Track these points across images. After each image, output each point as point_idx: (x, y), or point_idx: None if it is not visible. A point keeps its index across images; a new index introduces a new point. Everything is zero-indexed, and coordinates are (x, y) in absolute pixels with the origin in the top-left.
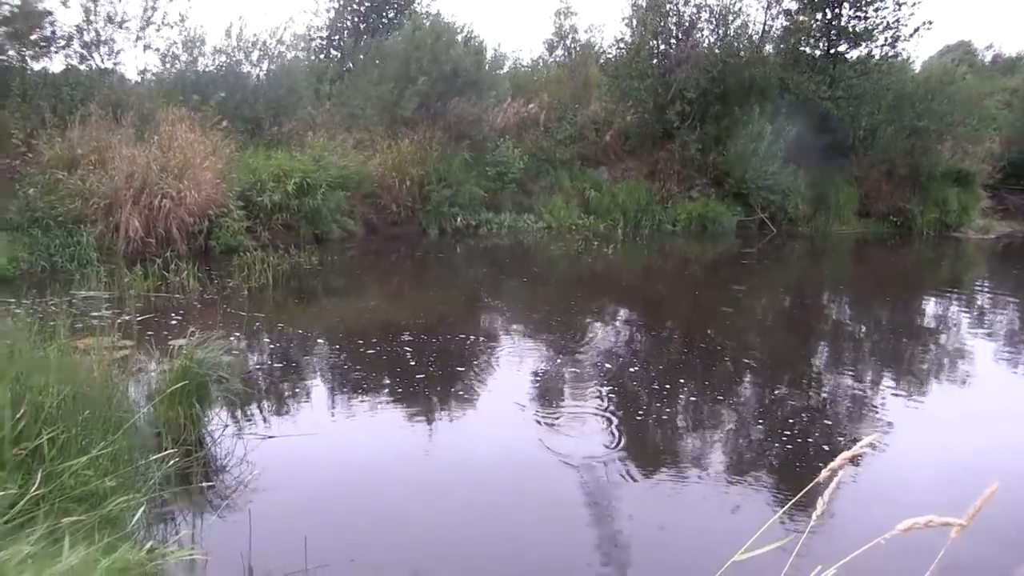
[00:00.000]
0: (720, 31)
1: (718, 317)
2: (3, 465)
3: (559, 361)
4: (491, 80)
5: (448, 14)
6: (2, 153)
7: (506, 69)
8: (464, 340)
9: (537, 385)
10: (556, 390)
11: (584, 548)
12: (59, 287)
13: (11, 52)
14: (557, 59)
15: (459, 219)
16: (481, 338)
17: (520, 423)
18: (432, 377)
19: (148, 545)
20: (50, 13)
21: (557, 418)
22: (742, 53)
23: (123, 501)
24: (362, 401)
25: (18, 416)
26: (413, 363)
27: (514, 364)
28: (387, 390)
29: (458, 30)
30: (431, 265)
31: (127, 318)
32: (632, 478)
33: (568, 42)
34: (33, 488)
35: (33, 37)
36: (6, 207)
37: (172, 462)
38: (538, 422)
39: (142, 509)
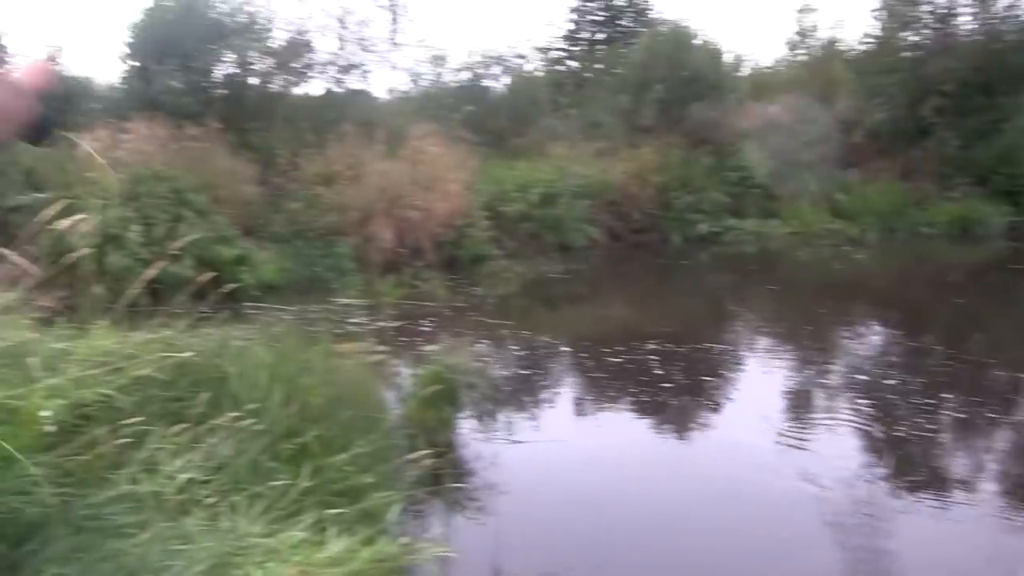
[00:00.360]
0: (983, 16)
1: (987, 327)
2: (278, 457)
3: (810, 372)
4: (731, 83)
5: (685, 18)
6: (270, 172)
7: (747, 71)
8: (710, 349)
9: (787, 397)
10: (807, 403)
11: None
12: (320, 294)
13: (277, 80)
14: (800, 58)
15: (702, 226)
16: (727, 347)
17: (768, 437)
18: (678, 386)
19: (402, 540)
20: (310, 44)
21: (809, 433)
22: (1010, 38)
23: (381, 497)
24: (607, 409)
25: (289, 413)
26: (659, 372)
27: (762, 374)
28: (632, 398)
29: (695, 35)
30: (675, 272)
31: (382, 325)
32: (896, 499)
33: (811, 40)
34: (302, 480)
35: (296, 65)
36: (274, 221)
37: (425, 463)
38: (787, 436)
39: (398, 505)
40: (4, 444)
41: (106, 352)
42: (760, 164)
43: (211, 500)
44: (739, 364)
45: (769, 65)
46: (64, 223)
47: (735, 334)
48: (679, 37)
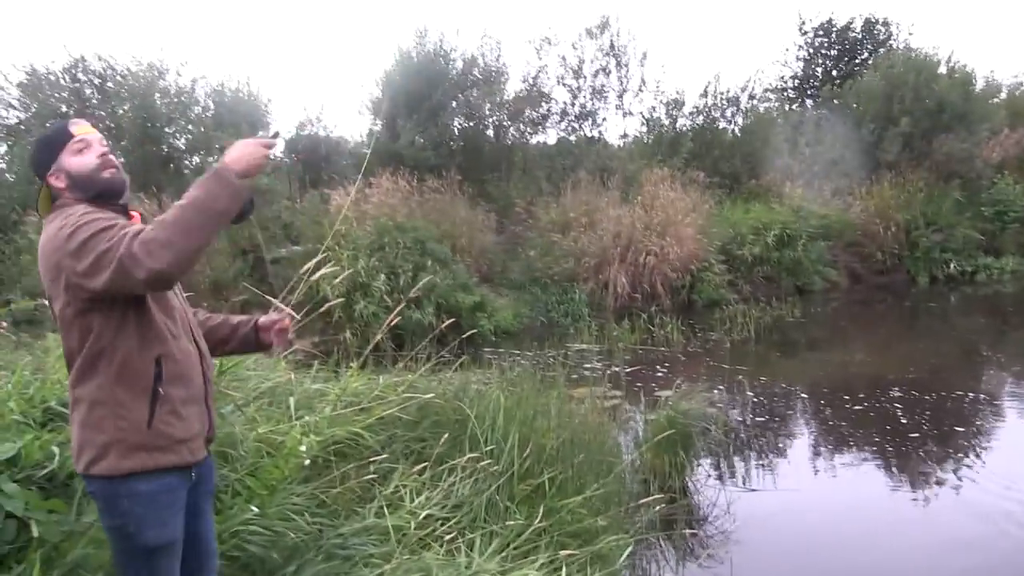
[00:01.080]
0: None
1: None
2: (513, 498)
3: None
4: (983, 111)
5: (929, 46)
6: (507, 220)
7: (1002, 97)
8: (963, 398)
9: None
10: None
11: None
12: (555, 340)
13: (512, 132)
14: None
15: (952, 265)
16: (982, 396)
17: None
18: (926, 437)
19: None
20: (546, 94)
21: None
22: None
23: (613, 540)
24: (847, 459)
25: (525, 455)
26: (904, 421)
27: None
28: (875, 449)
29: (941, 61)
30: (921, 315)
31: (616, 369)
32: None
33: None
34: (536, 521)
35: (531, 116)
36: (511, 268)
37: (658, 507)
38: None
39: (629, 549)
40: (270, 474)
41: (355, 393)
42: (1019, 197)
43: (449, 536)
44: (997, 415)
45: None
46: (318, 273)
47: (991, 382)
48: (923, 65)
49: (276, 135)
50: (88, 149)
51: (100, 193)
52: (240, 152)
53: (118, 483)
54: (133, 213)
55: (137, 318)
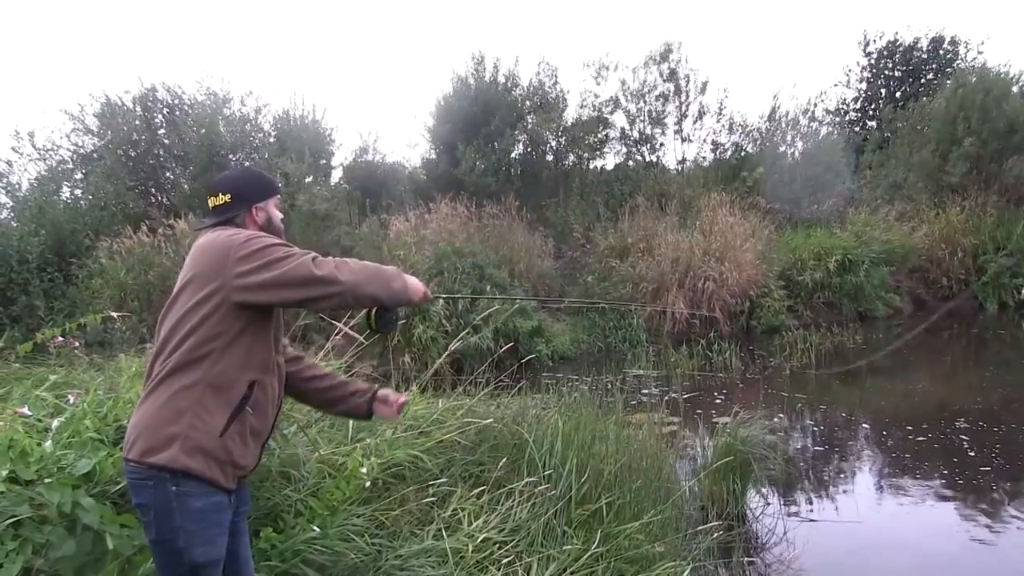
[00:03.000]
0: None
1: None
2: (570, 522)
3: None
4: None
5: (999, 63)
6: (565, 245)
7: None
8: None
9: None
10: None
11: None
12: (613, 365)
13: (571, 158)
14: None
15: (1023, 291)
16: None
17: None
18: (996, 471)
19: None
20: (605, 119)
21: None
22: None
23: (671, 567)
24: (911, 492)
25: (583, 480)
26: (972, 453)
27: None
28: (941, 482)
29: (1013, 80)
30: (989, 343)
31: (674, 395)
32: None
33: None
34: (593, 546)
35: (588, 141)
36: (569, 293)
37: (715, 534)
38: None
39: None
40: (331, 495)
41: (415, 417)
42: None
43: (507, 559)
44: None
45: None
46: None
47: None
48: (992, 84)
49: (429, 294)
50: (278, 209)
51: None
52: (411, 280)
53: (171, 493)
54: None
55: (253, 340)
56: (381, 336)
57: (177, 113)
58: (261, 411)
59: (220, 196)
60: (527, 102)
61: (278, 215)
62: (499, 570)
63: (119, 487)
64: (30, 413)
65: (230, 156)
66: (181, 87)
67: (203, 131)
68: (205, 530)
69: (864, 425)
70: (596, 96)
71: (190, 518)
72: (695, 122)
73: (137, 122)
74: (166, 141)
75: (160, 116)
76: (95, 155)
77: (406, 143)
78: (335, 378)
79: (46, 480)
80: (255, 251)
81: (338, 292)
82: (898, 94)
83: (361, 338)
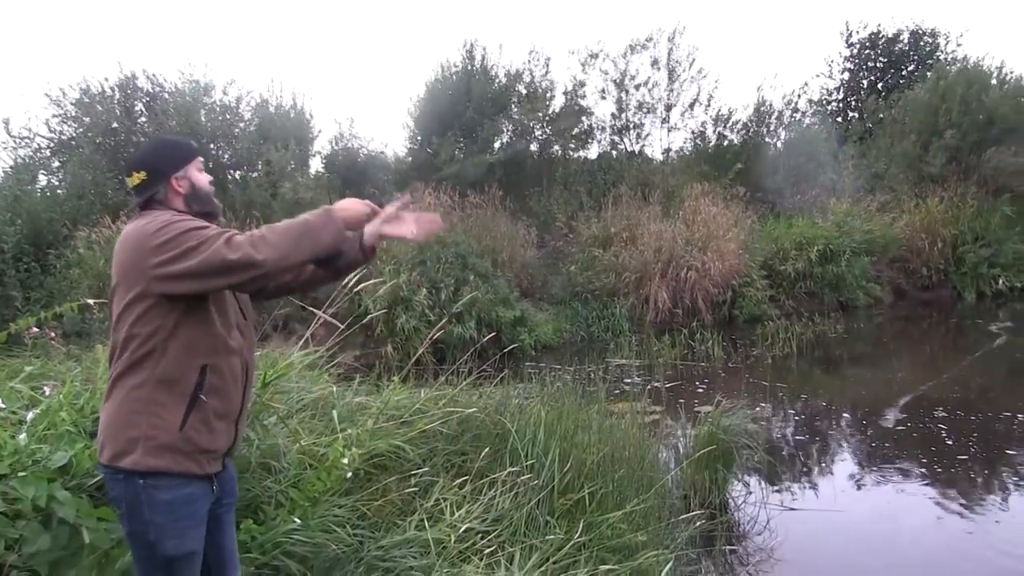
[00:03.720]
0: None
1: None
2: (553, 512)
3: None
4: None
5: (978, 56)
6: (548, 235)
7: None
8: (1012, 418)
9: None
10: None
11: None
12: (595, 355)
13: (556, 147)
14: None
15: (1001, 281)
16: None
17: None
18: (973, 459)
19: None
20: (588, 109)
21: None
22: None
23: (653, 556)
24: (891, 480)
25: (565, 469)
26: (950, 442)
27: None
28: (919, 470)
29: (991, 73)
30: (967, 332)
31: (656, 385)
32: None
33: None
34: (576, 535)
35: (574, 131)
36: (552, 283)
37: (698, 523)
38: None
39: (669, 565)
40: (312, 486)
41: (397, 407)
42: None
43: (489, 549)
44: None
45: None
46: (361, 287)
47: None
48: (973, 77)
49: (379, 204)
50: (203, 173)
51: (208, 212)
52: (347, 204)
53: (139, 487)
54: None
55: (194, 324)
56: (364, 327)
57: (157, 101)
58: (221, 393)
59: (135, 175)
60: (513, 91)
61: (204, 179)
62: (481, 560)
63: (96, 480)
64: (4, 406)
65: (211, 145)
66: (162, 75)
67: (183, 120)
68: (175, 523)
69: (844, 414)
70: (583, 85)
71: (159, 511)
72: (684, 112)
73: (117, 109)
74: (146, 129)
75: (140, 104)
76: (73, 142)
77: (390, 131)
78: None
79: (20, 474)
80: (167, 241)
81: (261, 273)
82: (880, 85)
83: (342, 326)
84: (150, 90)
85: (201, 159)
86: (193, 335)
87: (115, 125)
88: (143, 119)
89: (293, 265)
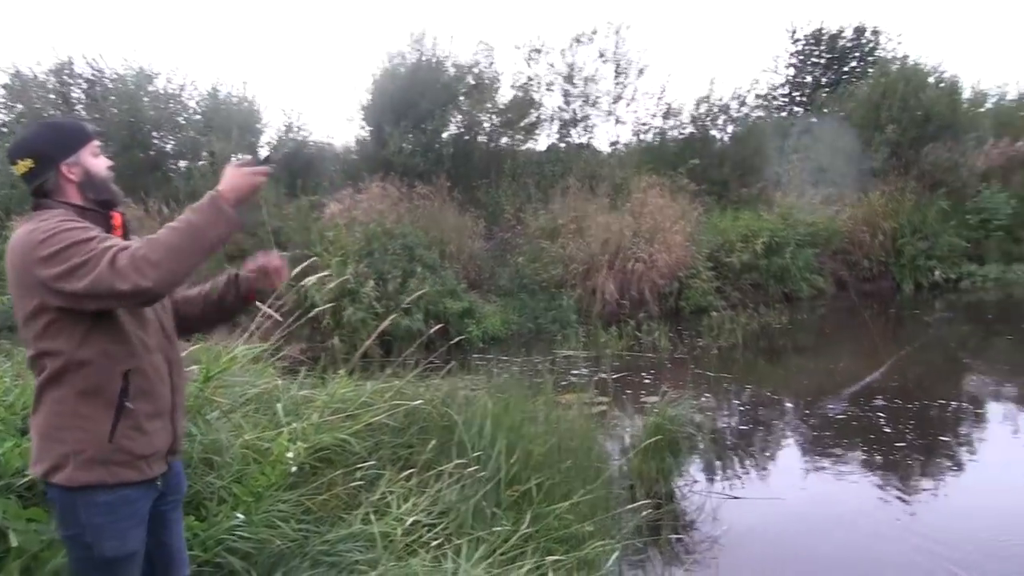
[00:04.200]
0: None
1: None
2: (500, 504)
3: None
4: (969, 121)
5: (918, 54)
6: (496, 227)
7: (988, 106)
8: (946, 406)
9: None
10: None
11: None
12: (543, 346)
13: (504, 139)
14: None
15: (937, 272)
16: (965, 404)
17: (1020, 503)
18: (912, 446)
19: None
20: (537, 101)
21: None
22: None
23: (600, 546)
24: (832, 468)
25: (512, 461)
26: (888, 430)
27: (1009, 434)
28: (860, 458)
29: (929, 72)
30: (906, 323)
31: (603, 376)
32: None
33: None
34: (523, 527)
35: (522, 124)
36: (500, 275)
37: (644, 513)
38: None
39: (616, 555)
40: (256, 481)
41: (343, 400)
42: (1003, 206)
43: (436, 542)
44: (981, 423)
45: (1015, 98)
46: (307, 280)
47: (974, 389)
48: (912, 75)
49: (268, 159)
50: (100, 157)
51: (105, 200)
52: (233, 180)
53: (76, 493)
54: (115, 213)
55: (106, 331)
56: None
57: (98, 88)
58: (148, 394)
59: (21, 163)
60: (462, 82)
61: (99, 165)
62: (428, 553)
63: (26, 480)
64: None
65: (153, 134)
66: (103, 60)
67: (125, 107)
68: (114, 523)
69: (788, 403)
70: (530, 78)
71: (95, 512)
72: (631, 103)
73: (52, 96)
74: (85, 116)
75: (79, 91)
76: (5, 129)
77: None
78: (192, 294)
79: None
80: (53, 254)
81: (154, 295)
82: (824, 80)
83: (283, 319)
84: (89, 76)
85: (97, 143)
86: (107, 343)
87: (51, 112)
88: (81, 106)
89: (188, 274)
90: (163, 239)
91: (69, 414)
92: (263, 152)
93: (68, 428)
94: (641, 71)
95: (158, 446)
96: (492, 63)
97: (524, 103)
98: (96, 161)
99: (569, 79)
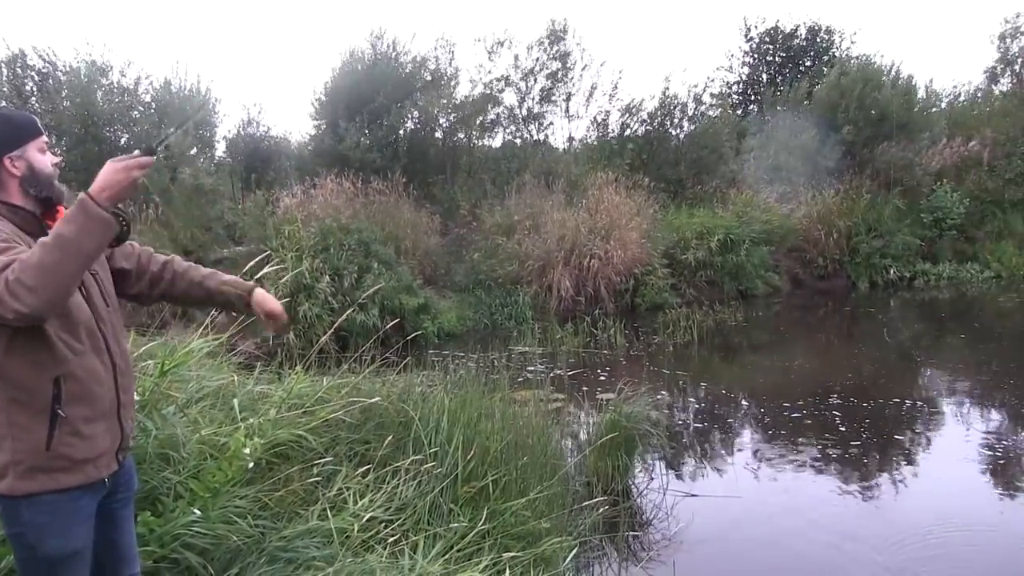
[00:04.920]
0: None
1: None
2: (457, 500)
3: (1019, 431)
4: (923, 121)
5: (872, 53)
6: (452, 223)
7: (942, 106)
8: (900, 404)
9: (992, 457)
10: (1018, 463)
11: None
12: (499, 342)
13: (460, 135)
14: (1002, 89)
15: (891, 271)
16: (919, 402)
17: (973, 499)
18: (866, 444)
19: None
20: (494, 97)
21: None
22: None
23: (556, 542)
24: (788, 466)
25: (469, 457)
26: (843, 428)
27: (962, 432)
28: (815, 456)
29: (885, 71)
30: (861, 321)
31: (559, 372)
32: None
33: (1017, 68)
34: (480, 523)
35: (479, 120)
36: (455, 271)
37: (601, 510)
38: (1000, 498)
39: (573, 552)
40: (213, 477)
41: (299, 395)
42: (956, 205)
43: (393, 538)
44: (935, 421)
45: (966, 98)
46: (261, 272)
47: (928, 387)
48: (867, 75)
49: (149, 151)
50: (47, 154)
51: (48, 198)
52: (107, 179)
53: (19, 498)
54: (60, 208)
55: (29, 338)
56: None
57: (50, 81)
58: (83, 399)
59: None
60: (418, 78)
61: (45, 161)
62: (385, 549)
63: None
64: None
65: (107, 128)
66: (55, 52)
67: (78, 101)
68: (56, 522)
69: (743, 401)
70: (489, 73)
71: (38, 511)
72: (586, 100)
73: (4, 88)
74: (37, 109)
75: (31, 83)
76: None
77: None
78: (198, 275)
79: None
80: None
81: (38, 318)
82: (779, 79)
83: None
84: (41, 68)
85: (44, 139)
86: (32, 351)
87: (2, 104)
88: (34, 99)
89: (72, 287)
90: (35, 259)
91: (4, 423)
92: (221, 147)
93: (5, 438)
94: (589, 67)
95: (102, 448)
96: (452, 59)
97: (482, 99)
98: (42, 157)
99: (526, 76)
